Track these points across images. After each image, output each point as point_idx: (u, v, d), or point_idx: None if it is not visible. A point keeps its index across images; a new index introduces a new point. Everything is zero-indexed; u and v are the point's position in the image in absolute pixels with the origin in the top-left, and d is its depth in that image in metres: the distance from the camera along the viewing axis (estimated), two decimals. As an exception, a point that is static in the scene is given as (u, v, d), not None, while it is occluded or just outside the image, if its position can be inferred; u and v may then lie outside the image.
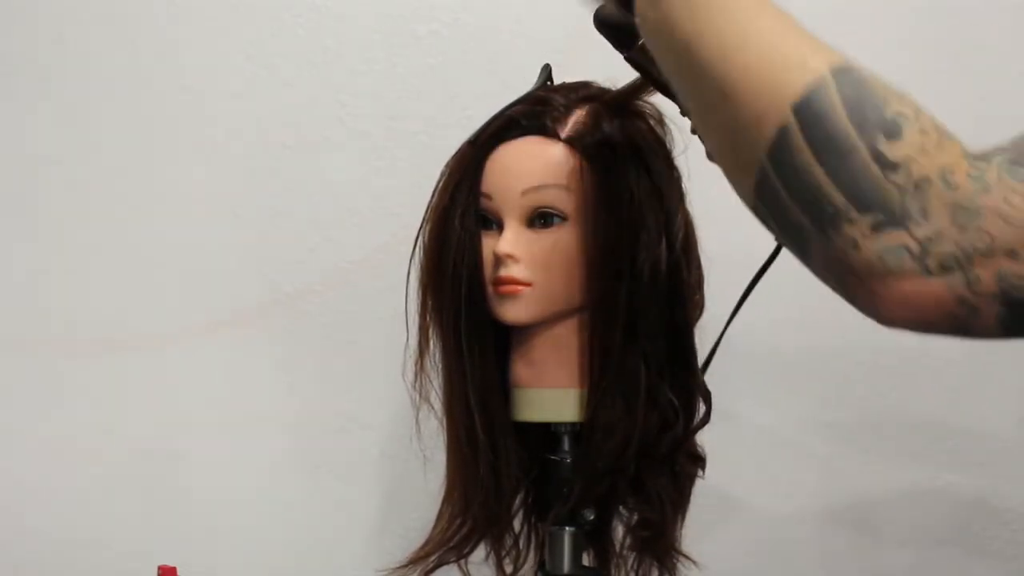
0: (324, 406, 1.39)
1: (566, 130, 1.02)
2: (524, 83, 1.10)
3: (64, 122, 1.38)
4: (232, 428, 1.38)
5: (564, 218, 1.02)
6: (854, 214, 0.65)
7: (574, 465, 1.06)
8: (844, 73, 0.67)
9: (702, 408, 1.07)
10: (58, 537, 1.37)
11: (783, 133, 0.66)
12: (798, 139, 0.66)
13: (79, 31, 1.38)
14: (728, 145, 0.71)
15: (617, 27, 0.89)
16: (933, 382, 1.37)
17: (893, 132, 0.65)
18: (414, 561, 1.12)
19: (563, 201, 1.01)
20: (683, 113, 0.84)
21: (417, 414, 1.11)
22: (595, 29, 0.91)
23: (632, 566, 1.13)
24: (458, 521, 1.10)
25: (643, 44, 0.87)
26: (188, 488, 1.38)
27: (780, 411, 1.39)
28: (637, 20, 0.76)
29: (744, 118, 0.68)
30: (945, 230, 0.63)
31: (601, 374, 1.03)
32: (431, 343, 1.09)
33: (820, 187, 0.65)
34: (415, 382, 1.10)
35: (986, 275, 0.63)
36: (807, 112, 0.66)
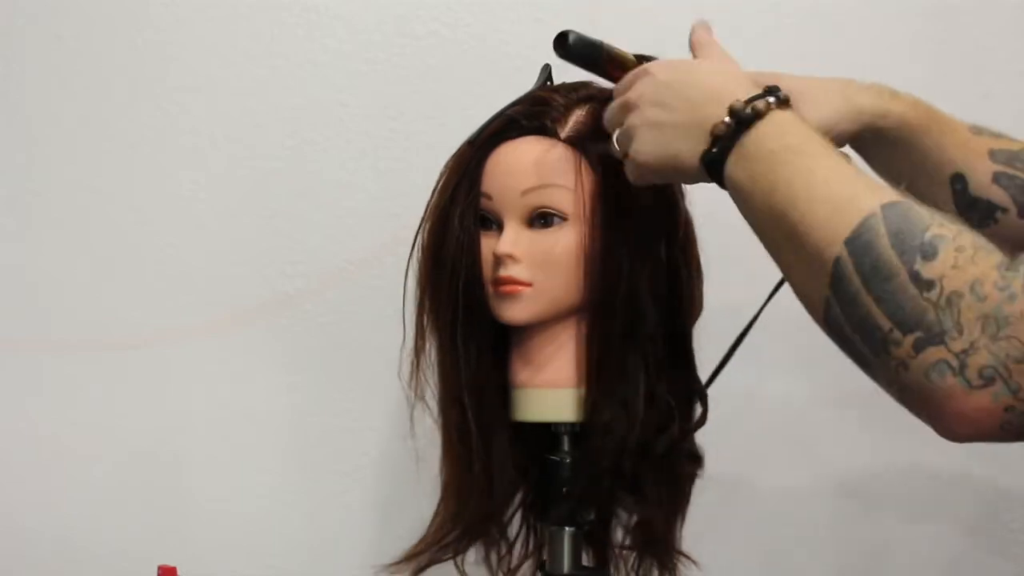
0: (324, 406, 1.39)
1: (566, 130, 1.02)
2: (524, 83, 1.10)
3: (64, 122, 1.39)
4: (232, 428, 1.39)
5: (564, 218, 1.02)
6: (898, 335, 0.68)
7: (574, 465, 1.06)
8: (892, 206, 0.72)
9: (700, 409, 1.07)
10: (58, 537, 1.37)
11: (837, 264, 0.71)
12: (850, 270, 0.71)
13: (79, 31, 1.38)
14: (801, 281, 0.77)
15: (582, 54, 0.97)
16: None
17: (929, 253, 0.68)
18: (407, 559, 1.12)
19: (563, 201, 1.01)
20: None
21: (412, 413, 1.11)
22: (560, 58, 0.97)
23: (632, 566, 1.13)
24: (451, 521, 1.10)
25: (606, 56, 0.97)
26: (188, 488, 1.38)
27: (781, 410, 1.39)
28: (727, 183, 0.83)
29: (809, 255, 0.74)
30: (978, 340, 0.66)
31: (600, 374, 1.03)
32: (427, 342, 1.09)
33: (869, 313, 0.70)
34: (411, 381, 1.10)
35: None
36: (857, 244, 0.71)
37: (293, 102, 1.39)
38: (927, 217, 0.71)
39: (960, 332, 0.66)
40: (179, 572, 1.14)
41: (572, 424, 1.06)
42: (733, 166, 0.82)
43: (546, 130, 1.03)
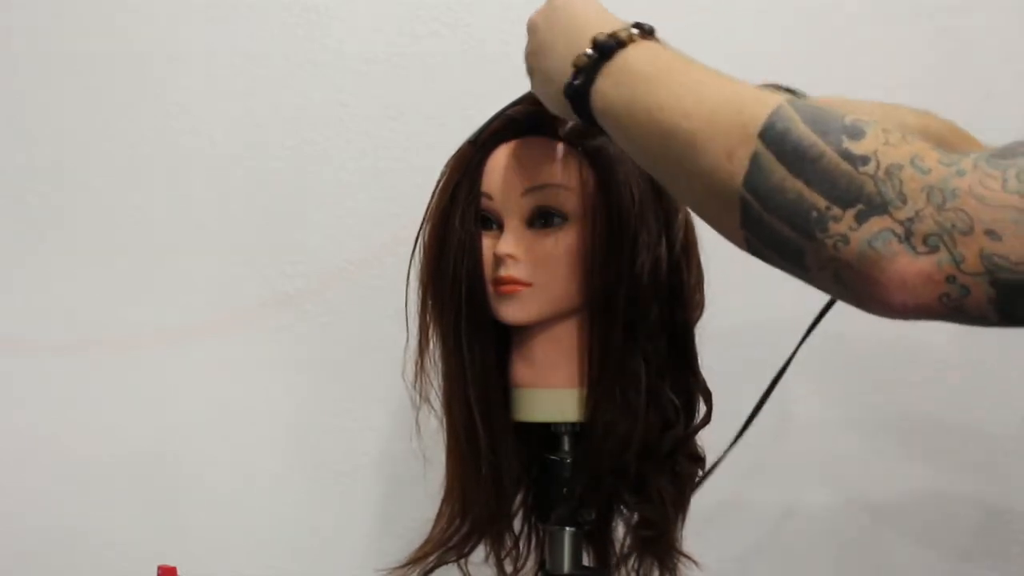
0: (324, 406, 1.39)
1: (566, 130, 1.02)
2: (524, 83, 1.10)
3: (64, 122, 1.39)
4: (232, 428, 1.39)
5: (564, 218, 1.02)
6: (836, 211, 0.67)
7: (574, 465, 1.06)
8: (798, 100, 0.72)
9: (703, 408, 1.07)
10: (58, 537, 1.37)
11: (755, 158, 0.70)
12: (770, 160, 0.70)
13: (79, 31, 1.38)
14: (705, 192, 0.75)
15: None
16: (965, 384, 1.37)
17: (856, 133, 0.68)
18: (413, 561, 1.12)
19: (563, 201, 1.01)
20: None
21: (417, 414, 1.11)
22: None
23: (632, 566, 1.13)
24: (457, 521, 1.10)
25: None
26: (188, 488, 1.38)
27: (782, 409, 1.39)
28: (597, 115, 0.83)
29: (715, 161, 0.72)
30: (923, 210, 0.65)
31: (601, 374, 1.03)
32: (431, 343, 1.09)
33: (800, 196, 0.68)
34: (415, 382, 1.10)
35: (970, 254, 0.64)
36: (772, 134, 0.70)
37: (293, 102, 1.39)
38: (838, 106, 0.71)
39: (904, 202, 0.65)
40: (179, 572, 1.14)
41: (573, 424, 1.06)
42: (601, 95, 0.82)
43: (546, 130, 1.03)
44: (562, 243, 1.01)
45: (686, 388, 1.06)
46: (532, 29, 0.93)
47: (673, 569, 1.12)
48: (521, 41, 1.37)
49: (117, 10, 1.38)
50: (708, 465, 1.07)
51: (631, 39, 0.82)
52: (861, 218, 0.66)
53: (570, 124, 1.03)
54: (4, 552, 1.37)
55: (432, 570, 1.12)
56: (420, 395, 1.10)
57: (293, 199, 1.39)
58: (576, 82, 0.84)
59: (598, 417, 1.03)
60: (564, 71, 0.86)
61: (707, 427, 1.07)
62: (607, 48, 0.82)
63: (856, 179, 0.67)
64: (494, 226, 1.04)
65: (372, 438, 1.39)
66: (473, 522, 1.09)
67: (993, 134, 1.39)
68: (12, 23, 1.38)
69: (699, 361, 1.07)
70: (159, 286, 1.38)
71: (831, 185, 0.67)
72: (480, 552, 1.14)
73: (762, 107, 0.71)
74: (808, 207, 0.68)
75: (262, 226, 1.39)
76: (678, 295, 1.04)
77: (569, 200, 1.01)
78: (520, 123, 1.04)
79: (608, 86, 0.82)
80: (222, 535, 1.38)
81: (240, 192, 1.39)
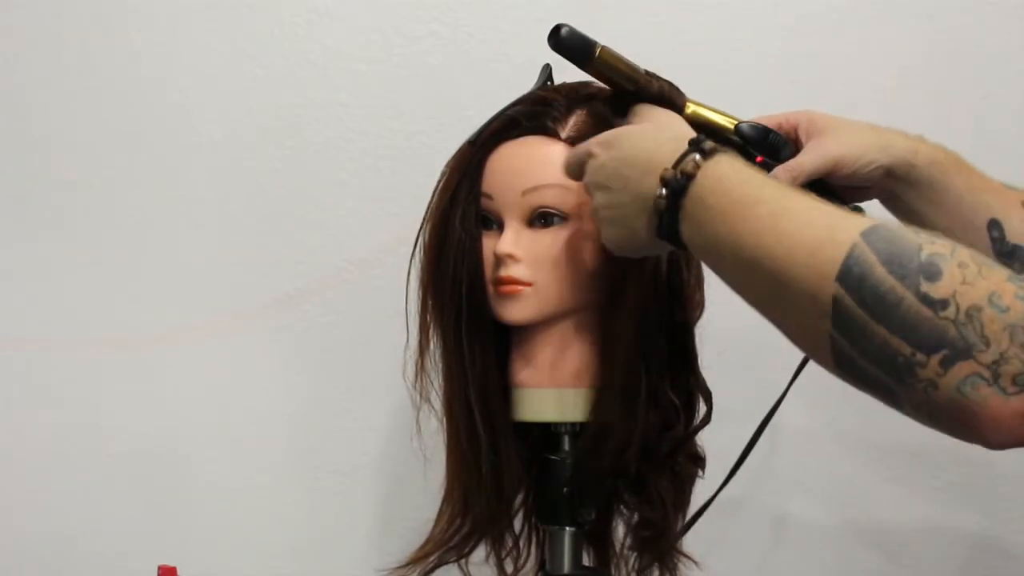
0: (324, 406, 1.39)
1: (566, 130, 1.02)
2: (524, 83, 1.10)
3: (64, 122, 1.38)
4: (232, 428, 1.38)
5: (564, 218, 1.02)
6: (921, 357, 0.67)
7: (574, 465, 1.06)
8: (873, 231, 0.71)
9: (703, 408, 1.07)
10: (58, 537, 1.37)
11: (836, 303, 0.70)
12: (851, 305, 0.69)
13: (79, 32, 1.38)
14: (799, 329, 0.75)
15: (573, 48, 0.98)
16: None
17: (933, 273, 0.68)
18: (414, 561, 1.12)
19: (564, 201, 1.01)
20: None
21: (417, 414, 1.11)
22: (552, 49, 0.98)
23: (633, 566, 1.13)
24: (458, 521, 1.10)
25: (600, 55, 0.98)
26: (188, 488, 1.38)
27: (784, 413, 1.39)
28: (690, 249, 0.84)
29: (801, 302, 0.73)
30: (1008, 351, 0.65)
31: (602, 374, 1.03)
32: (431, 343, 1.09)
33: (885, 341, 0.68)
34: (415, 382, 1.10)
35: None
36: (850, 279, 0.69)
37: (293, 102, 1.39)
38: (913, 236, 0.70)
39: (987, 345, 0.65)
40: (179, 572, 1.14)
41: (573, 424, 1.06)
42: (688, 234, 0.82)
43: (547, 130, 1.03)
44: (562, 243, 1.01)
45: (686, 388, 1.06)
46: (596, 167, 0.91)
47: (673, 569, 1.12)
48: (520, 41, 1.38)
49: (116, 10, 1.38)
50: (706, 468, 1.08)
51: (696, 167, 0.81)
52: (947, 364, 0.66)
53: (571, 124, 1.03)
54: (4, 552, 1.37)
55: (433, 570, 1.12)
56: (420, 395, 1.10)
57: (293, 199, 1.39)
58: (663, 225, 0.83)
59: (598, 417, 1.03)
60: (641, 214, 0.86)
61: (707, 427, 1.07)
62: (678, 187, 0.81)
63: (937, 325, 0.67)
64: (494, 226, 1.04)
65: (372, 438, 1.39)
66: (473, 522, 1.09)
67: (993, 134, 1.40)
68: (12, 23, 1.38)
69: (699, 361, 1.07)
70: (159, 286, 1.38)
71: (913, 331, 0.67)
72: (480, 552, 1.14)
73: (837, 247, 0.71)
74: (894, 352, 0.68)
75: (262, 226, 1.39)
76: (678, 295, 1.04)
77: (569, 200, 1.01)
78: (520, 123, 1.04)
79: (690, 227, 0.82)
80: (222, 535, 1.38)
81: (240, 192, 1.39)
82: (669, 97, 1.01)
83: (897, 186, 1.03)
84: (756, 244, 0.75)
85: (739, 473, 1.36)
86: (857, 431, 1.39)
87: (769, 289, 0.76)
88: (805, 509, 1.41)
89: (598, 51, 0.98)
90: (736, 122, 1.03)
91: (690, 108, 1.02)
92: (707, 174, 0.81)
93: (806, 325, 0.73)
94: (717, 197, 0.79)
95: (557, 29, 0.97)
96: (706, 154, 0.81)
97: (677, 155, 0.82)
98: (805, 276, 0.72)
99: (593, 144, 0.92)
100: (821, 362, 0.74)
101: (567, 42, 0.98)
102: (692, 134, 0.87)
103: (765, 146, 1.03)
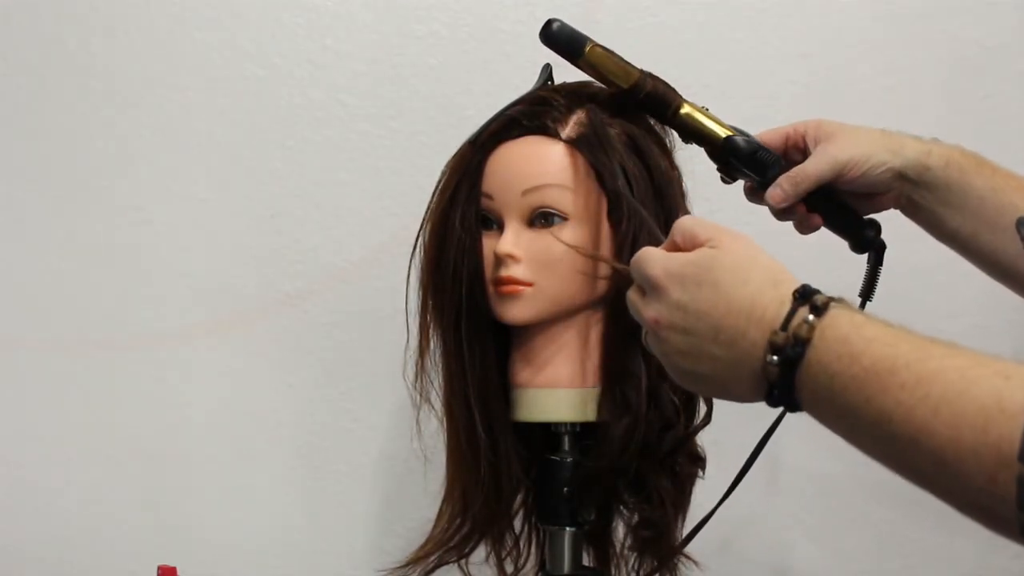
0: (324, 406, 1.39)
1: (567, 130, 1.02)
2: (524, 83, 1.10)
3: (64, 122, 1.38)
4: (232, 428, 1.39)
5: (565, 218, 1.01)
6: None
7: (574, 465, 1.06)
8: None
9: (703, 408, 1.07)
10: (58, 537, 1.37)
11: (1021, 483, 0.63)
12: None
13: (79, 32, 1.38)
14: (970, 507, 0.68)
15: (563, 43, 0.97)
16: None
17: None
18: (414, 561, 1.12)
19: (564, 201, 1.01)
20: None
21: (418, 414, 1.11)
22: (543, 44, 0.98)
23: (633, 566, 1.13)
24: (458, 521, 1.10)
25: (590, 52, 0.97)
26: (188, 488, 1.38)
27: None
28: (810, 412, 0.74)
29: (974, 483, 0.65)
30: None
31: (602, 374, 1.03)
32: (431, 343, 1.09)
33: None
34: (415, 382, 1.10)
35: None
36: None
37: (293, 102, 1.39)
38: None
39: None
40: (179, 572, 1.14)
41: (573, 424, 1.06)
42: (809, 404, 0.73)
43: (547, 130, 1.03)
44: (562, 243, 1.01)
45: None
46: (671, 307, 0.78)
47: (673, 569, 1.12)
48: (520, 41, 1.38)
49: (116, 10, 1.38)
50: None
51: (811, 331, 0.71)
52: None
53: (571, 124, 1.03)
54: (4, 552, 1.37)
55: (433, 570, 1.12)
56: (420, 395, 1.10)
57: (293, 199, 1.39)
58: (775, 395, 0.73)
59: (598, 417, 1.03)
60: (741, 374, 0.75)
61: (707, 428, 1.07)
62: (794, 356, 0.71)
63: None
64: (494, 226, 1.04)
65: (372, 438, 1.39)
66: (473, 522, 1.09)
67: (993, 134, 1.40)
68: (12, 24, 1.38)
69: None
70: (159, 286, 1.38)
71: None
72: (480, 552, 1.14)
73: (1010, 421, 0.63)
74: None
75: (262, 226, 1.39)
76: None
77: (569, 200, 1.01)
78: (521, 123, 1.04)
79: (811, 397, 0.72)
80: (222, 535, 1.38)
81: (240, 192, 1.39)
82: (663, 97, 1.01)
83: (914, 191, 1.00)
84: (907, 420, 0.67)
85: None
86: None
87: (930, 468, 0.67)
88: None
89: (588, 47, 0.98)
90: (729, 133, 1.01)
91: (685, 109, 1.02)
92: (826, 336, 0.71)
93: (982, 506, 0.66)
94: (844, 364, 0.69)
95: (549, 24, 0.99)
96: (819, 311, 0.71)
97: (783, 307, 0.73)
98: (977, 458, 0.64)
99: (660, 273, 0.79)
100: (1010, 537, 0.66)
101: (557, 36, 0.99)
102: (784, 272, 0.77)
103: (752, 162, 1.01)
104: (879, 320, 0.72)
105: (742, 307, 0.75)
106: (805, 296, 0.73)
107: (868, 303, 1.03)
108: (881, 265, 1.05)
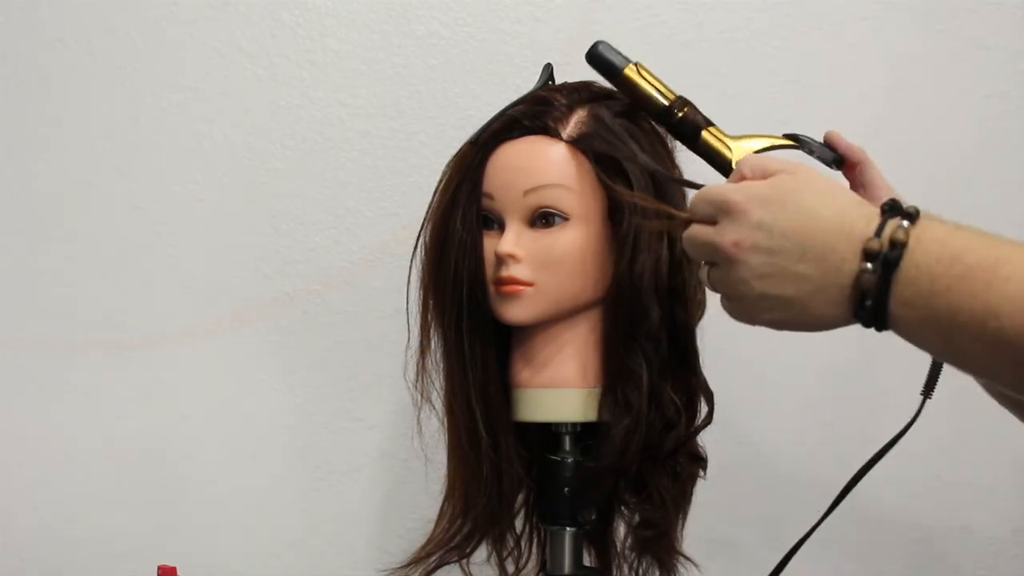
0: (324, 406, 1.39)
1: (568, 130, 1.02)
2: (525, 83, 1.10)
3: (64, 122, 1.38)
4: (232, 428, 1.38)
5: (566, 218, 1.01)
6: None
7: (575, 465, 1.06)
8: None
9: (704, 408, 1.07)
10: (58, 537, 1.37)
11: None
12: None
13: (79, 32, 1.38)
14: None
15: (603, 63, 0.98)
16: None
17: None
18: (415, 561, 1.12)
19: (565, 201, 1.01)
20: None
21: (418, 414, 1.11)
22: (586, 63, 0.97)
23: (633, 566, 1.13)
24: (459, 521, 1.10)
25: (626, 73, 0.96)
26: (188, 488, 1.38)
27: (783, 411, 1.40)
28: (900, 329, 0.73)
29: None
30: None
31: (603, 374, 1.03)
32: (432, 343, 1.09)
33: None
34: (416, 382, 1.10)
35: None
36: None
37: (293, 102, 1.39)
38: None
39: None
40: (179, 572, 1.14)
41: (573, 424, 1.06)
42: (904, 312, 0.72)
43: (548, 130, 1.02)
44: (563, 243, 1.01)
45: (687, 388, 1.06)
46: (752, 227, 0.77)
47: (673, 569, 1.12)
48: (520, 41, 1.38)
49: (115, 10, 1.38)
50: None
51: (907, 234, 0.71)
52: None
53: (572, 124, 1.03)
54: (4, 552, 1.37)
55: (434, 570, 1.12)
56: (421, 395, 1.10)
57: (293, 199, 1.39)
58: (866, 305, 0.72)
59: (599, 417, 1.03)
60: (831, 292, 0.74)
61: (708, 428, 1.07)
62: (892, 259, 0.71)
63: None
64: (495, 226, 1.04)
65: (372, 438, 1.39)
66: (474, 522, 1.09)
67: (993, 134, 1.40)
68: (12, 24, 1.38)
69: (700, 361, 1.07)
70: (159, 286, 1.38)
71: None
72: (482, 552, 1.14)
73: None
74: None
75: (262, 226, 1.39)
76: (679, 295, 1.04)
77: (570, 200, 1.01)
78: (522, 123, 1.03)
79: (908, 302, 0.71)
80: (222, 535, 1.38)
81: (240, 192, 1.39)
82: (694, 124, 0.98)
83: None
84: (1016, 312, 0.66)
85: (738, 473, 1.38)
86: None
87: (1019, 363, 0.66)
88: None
89: (626, 69, 0.99)
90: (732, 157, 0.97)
91: (706, 135, 0.98)
92: (923, 239, 0.71)
93: None
94: (945, 265, 0.69)
95: (595, 45, 1.00)
96: (912, 218, 0.71)
97: (873, 221, 0.72)
98: None
99: (740, 197, 0.78)
100: None
101: (598, 57, 0.99)
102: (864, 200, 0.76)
103: None
104: (969, 227, 0.72)
105: (830, 224, 0.74)
106: (895, 209, 0.72)
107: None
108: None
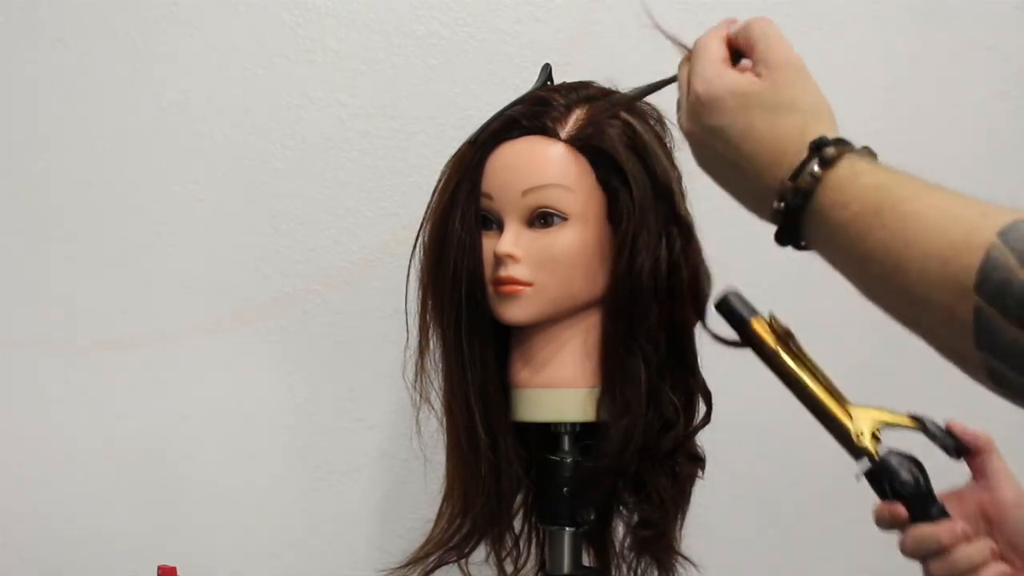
0: (324, 406, 1.39)
1: (566, 130, 1.02)
2: (524, 83, 1.10)
3: (64, 122, 1.38)
4: (232, 428, 1.38)
5: (564, 218, 1.02)
6: None
7: (574, 465, 1.06)
8: (1011, 230, 0.63)
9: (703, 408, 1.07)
10: (58, 537, 1.37)
11: (978, 317, 0.63)
12: (995, 317, 0.62)
13: (80, 32, 1.38)
14: (945, 349, 0.68)
15: (730, 314, 0.92)
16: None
17: None
18: (414, 561, 1.12)
19: (563, 201, 1.01)
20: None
21: (417, 414, 1.11)
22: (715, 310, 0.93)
23: (632, 566, 1.13)
24: (458, 521, 1.10)
25: (753, 326, 0.90)
26: (188, 487, 1.38)
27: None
28: (812, 248, 0.77)
29: (940, 320, 0.66)
30: None
31: (601, 374, 1.04)
32: (431, 343, 1.09)
33: None
34: (415, 382, 1.10)
35: None
36: (990, 287, 0.63)
37: (293, 102, 1.39)
38: None
39: None
40: (179, 572, 1.14)
41: (573, 424, 1.06)
42: (812, 246, 0.76)
43: (547, 130, 1.03)
44: (562, 243, 1.01)
45: (686, 388, 1.06)
46: (719, 111, 0.81)
47: (671, 569, 1.12)
48: (520, 41, 1.38)
49: (115, 10, 1.38)
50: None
51: (816, 181, 0.74)
52: None
53: (571, 124, 1.03)
54: (4, 552, 1.37)
55: (433, 570, 1.12)
56: (420, 395, 1.10)
57: (293, 199, 1.39)
58: (781, 235, 0.77)
59: (598, 417, 1.03)
60: (756, 203, 0.79)
61: (706, 428, 1.07)
62: (795, 206, 0.75)
63: None
64: (494, 226, 1.04)
65: (372, 438, 1.39)
66: (473, 522, 1.09)
67: (993, 134, 1.40)
68: (12, 24, 1.38)
69: (699, 361, 1.07)
70: (159, 286, 1.38)
71: None
72: (481, 552, 1.14)
73: (973, 253, 0.63)
74: None
75: (262, 226, 1.39)
76: (678, 294, 1.04)
77: (569, 200, 1.01)
78: (520, 123, 1.04)
79: (811, 241, 0.76)
80: (222, 535, 1.38)
81: (240, 192, 1.39)
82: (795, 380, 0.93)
83: None
84: (884, 259, 0.68)
85: (738, 473, 1.38)
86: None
87: (907, 308, 0.69)
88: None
89: (753, 321, 0.92)
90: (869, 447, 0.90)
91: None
92: (826, 186, 0.73)
93: (951, 347, 0.66)
94: (836, 212, 0.72)
95: (726, 296, 0.93)
96: (827, 163, 0.74)
97: (799, 158, 0.75)
98: (941, 291, 0.64)
99: (717, 91, 0.82)
100: (981, 383, 0.67)
101: (727, 307, 0.92)
102: (821, 115, 0.79)
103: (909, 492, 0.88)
104: (885, 168, 0.74)
105: (773, 149, 0.77)
106: (819, 147, 0.75)
107: None
108: None
